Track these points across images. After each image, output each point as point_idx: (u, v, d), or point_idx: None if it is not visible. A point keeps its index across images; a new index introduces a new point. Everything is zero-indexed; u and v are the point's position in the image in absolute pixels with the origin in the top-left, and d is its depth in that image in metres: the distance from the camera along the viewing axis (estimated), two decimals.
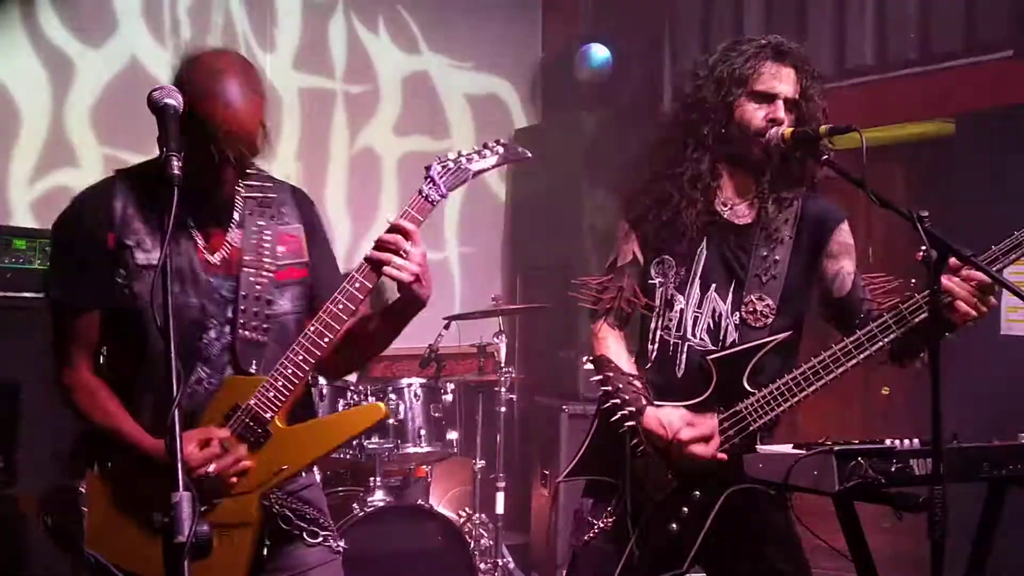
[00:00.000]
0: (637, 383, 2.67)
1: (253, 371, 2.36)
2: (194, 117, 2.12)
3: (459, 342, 5.37)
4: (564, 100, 6.21)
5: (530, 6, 6.58)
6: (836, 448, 2.17)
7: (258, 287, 2.39)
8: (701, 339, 2.69)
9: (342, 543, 2.52)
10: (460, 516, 5.04)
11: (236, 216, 2.42)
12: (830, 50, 5.23)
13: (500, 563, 4.86)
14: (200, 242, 2.36)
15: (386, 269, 2.32)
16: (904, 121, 5.05)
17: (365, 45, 5.92)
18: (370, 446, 4.48)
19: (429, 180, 2.40)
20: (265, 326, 2.39)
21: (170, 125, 1.91)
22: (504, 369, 5.04)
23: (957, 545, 2.14)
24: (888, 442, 2.24)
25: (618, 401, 2.63)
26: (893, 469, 2.18)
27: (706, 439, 2.56)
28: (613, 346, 2.77)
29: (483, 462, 5.02)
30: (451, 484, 5.75)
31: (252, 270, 2.39)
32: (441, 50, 6.19)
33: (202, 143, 2.17)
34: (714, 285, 2.70)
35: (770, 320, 2.65)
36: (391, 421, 4.51)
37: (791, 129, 2.58)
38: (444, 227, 6.17)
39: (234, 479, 2.29)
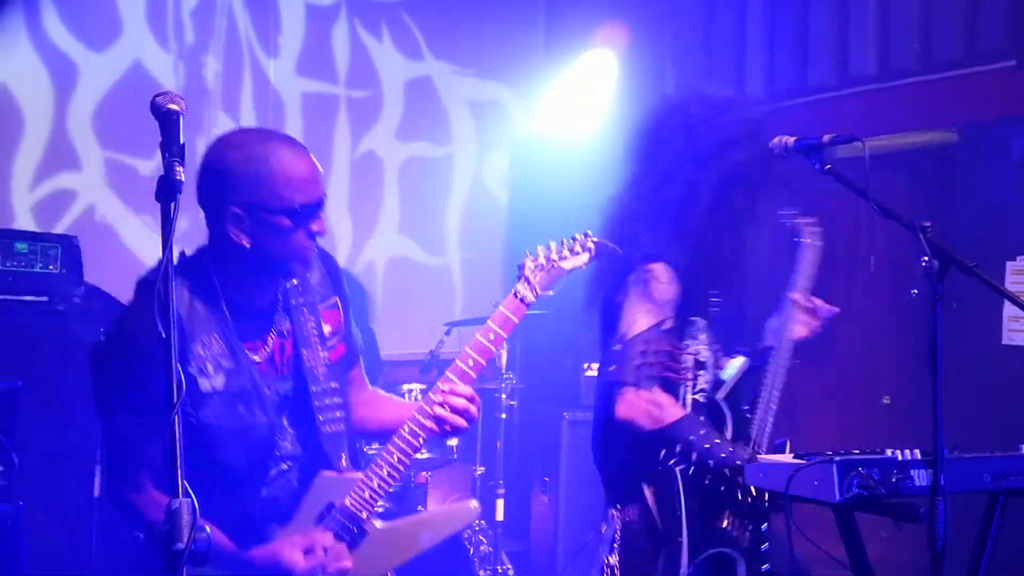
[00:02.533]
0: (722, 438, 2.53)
1: (344, 465, 2.30)
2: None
3: (460, 348, 5.35)
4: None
5: (533, 14, 6.59)
6: (837, 458, 2.16)
7: (321, 378, 2.25)
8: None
9: None
10: None
11: (279, 296, 2.24)
12: (832, 59, 5.23)
13: (500, 570, 4.85)
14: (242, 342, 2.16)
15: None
16: (906, 130, 5.04)
17: (368, 50, 5.93)
18: (370, 452, 4.45)
19: (524, 280, 2.32)
20: (339, 414, 2.28)
21: (172, 130, 1.90)
22: (505, 376, 5.04)
23: (956, 555, 2.14)
24: (889, 452, 2.24)
25: (724, 455, 2.45)
26: (894, 479, 2.17)
27: None
28: (680, 409, 2.56)
29: (483, 468, 5.02)
30: (451, 490, 5.73)
31: (312, 362, 2.24)
32: (444, 56, 6.20)
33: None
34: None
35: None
36: None
37: (793, 138, 2.57)
38: (445, 233, 6.17)
39: None
